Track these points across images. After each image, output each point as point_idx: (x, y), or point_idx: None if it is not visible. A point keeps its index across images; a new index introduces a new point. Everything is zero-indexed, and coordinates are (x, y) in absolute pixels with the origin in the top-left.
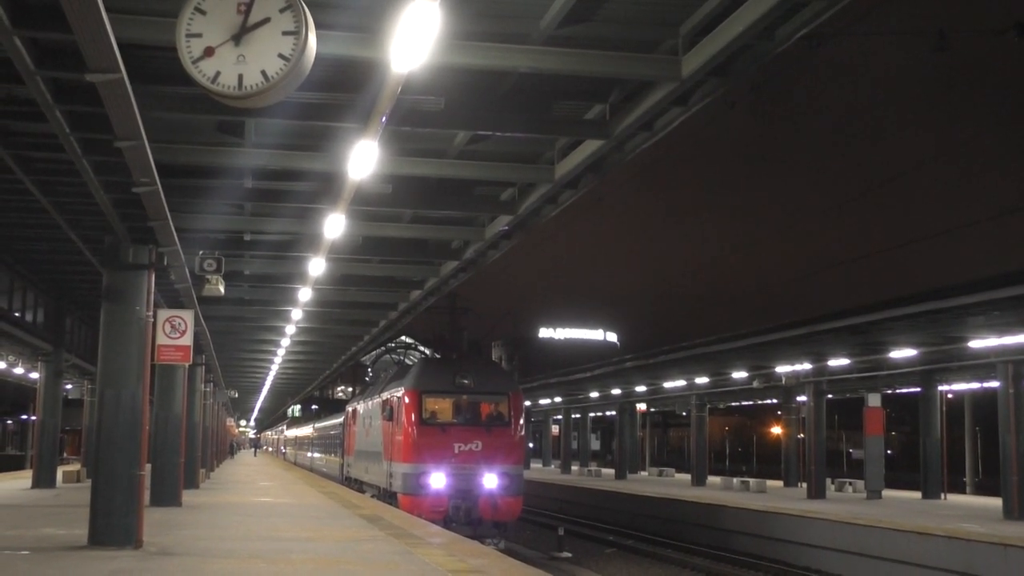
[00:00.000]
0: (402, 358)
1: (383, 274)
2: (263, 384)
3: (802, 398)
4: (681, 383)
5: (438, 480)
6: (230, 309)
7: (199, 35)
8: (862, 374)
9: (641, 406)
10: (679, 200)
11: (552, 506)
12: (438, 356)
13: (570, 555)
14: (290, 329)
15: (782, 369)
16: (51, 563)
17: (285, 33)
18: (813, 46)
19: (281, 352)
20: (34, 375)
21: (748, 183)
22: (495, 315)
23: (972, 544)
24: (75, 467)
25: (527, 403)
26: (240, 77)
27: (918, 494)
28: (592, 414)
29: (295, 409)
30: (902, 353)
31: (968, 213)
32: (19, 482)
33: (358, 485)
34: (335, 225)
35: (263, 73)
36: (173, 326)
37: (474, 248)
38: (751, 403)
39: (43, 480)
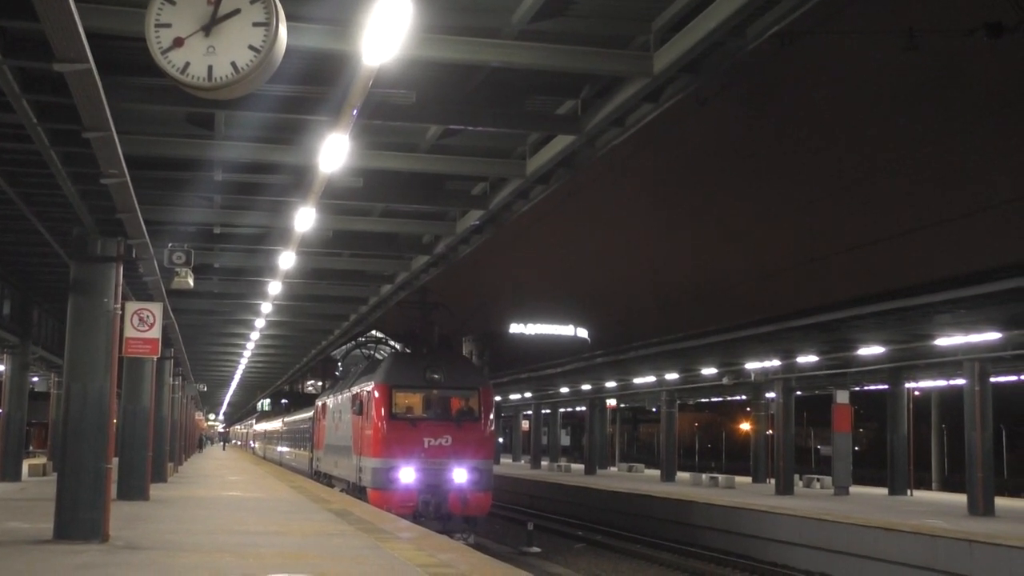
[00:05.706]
0: (372, 352)
1: (354, 268)
2: (232, 378)
3: (771, 395)
4: (651, 379)
5: (407, 475)
6: (199, 302)
7: (168, 25)
8: (831, 371)
9: (611, 402)
10: (651, 197)
11: (522, 501)
12: (408, 351)
13: (539, 550)
14: (260, 323)
15: (751, 366)
16: (16, 557)
17: (255, 24)
18: (784, 44)
19: (251, 346)
20: None
21: (718, 181)
22: (466, 310)
23: (937, 540)
24: (41, 460)
25: (497, 398)
26: (210, 68)
27: (885, 490)
28: (562, 410)
29: (264, 403)
30: (870, 350)
31: (938, 211)
32: None
33: (327, 480)
34: (305, 219)
35: (233, 64)
36: (141, 319)
37: (445, 243)
38: (720, 399)
39: (8, 473)
